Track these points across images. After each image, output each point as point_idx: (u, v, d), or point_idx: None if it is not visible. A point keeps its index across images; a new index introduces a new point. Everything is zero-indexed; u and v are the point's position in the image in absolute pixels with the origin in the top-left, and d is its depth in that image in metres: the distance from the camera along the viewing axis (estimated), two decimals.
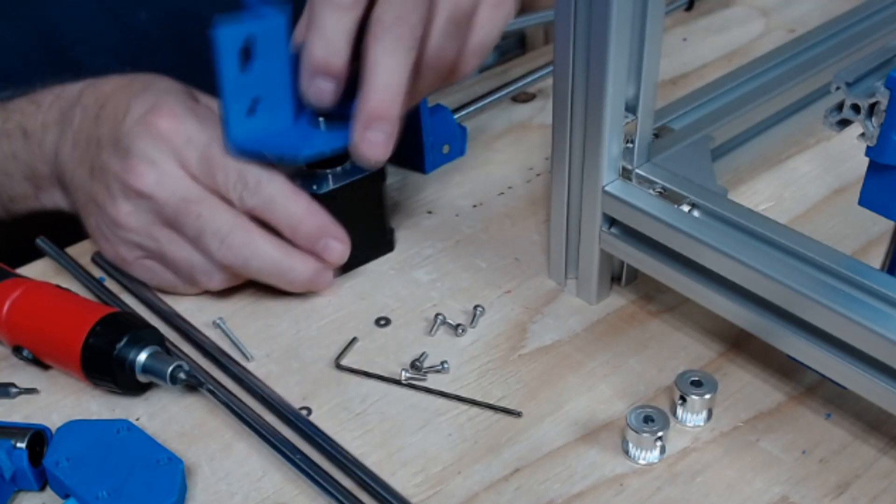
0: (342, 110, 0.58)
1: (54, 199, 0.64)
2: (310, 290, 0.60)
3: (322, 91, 0.55)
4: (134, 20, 0.70)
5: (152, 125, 0.56)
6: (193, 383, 0.53)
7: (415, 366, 0.56)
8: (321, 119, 0.57)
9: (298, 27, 0.61)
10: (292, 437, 0.52)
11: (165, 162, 0.56)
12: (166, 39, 0.70)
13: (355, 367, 0.56)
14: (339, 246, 0.59)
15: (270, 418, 0.53)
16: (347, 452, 0.51)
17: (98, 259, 0.63)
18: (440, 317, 0.59)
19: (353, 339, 0.58)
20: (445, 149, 0.72)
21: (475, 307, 0.59)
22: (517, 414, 0.53)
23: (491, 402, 0.54)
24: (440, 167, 0.72)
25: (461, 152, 0.73)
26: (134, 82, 0.60)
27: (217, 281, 0.59)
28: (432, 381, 0.55)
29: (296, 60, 0.56)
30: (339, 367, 0.56)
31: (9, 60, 0.66)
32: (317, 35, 0.54)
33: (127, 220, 0.57)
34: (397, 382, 0.55)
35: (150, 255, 0.59)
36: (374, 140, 0.55)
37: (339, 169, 0.60)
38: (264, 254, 0.57)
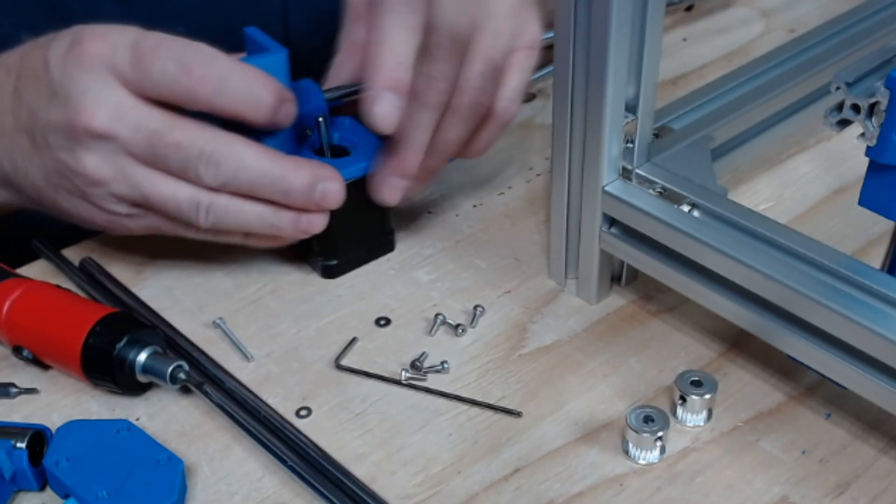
0: (348, 141, 0.61)
1: (4, 195, 0.59)
2: (313, 203, 0.56)
3: (389, 105, 0.53)
4: (170, 30, 0.69)
5: (81, 54, 0.52)
6: (193, 383, 0.53)
7: (415, 366, 0.56)
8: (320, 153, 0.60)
9: (335, 72, 0.61)
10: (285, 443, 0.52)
11: (112, 91, 0.52)
12: None
13: (355, 367, 0.56)
14: (335, 185, 0.56)
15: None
16: (335, 461, 0.50)
17: (88, 263, 0.62)
18: (440, 317, 0.58)
19: (353, 339, 0.58)
20: None
21: (475, 307, 0.59)
22: (517, 414, 0.53)
23: (491, 402, 0.54)
24: None
25: None
26: (37, 41, 0.55)
27: (212, 214, 0.55)
28: (432, 381, 0.55)
29: (297, 93, 0.57)
30: (339, 367, 0.56)
31: None
32: (387, 49, 0.53)
33: (97, 171, 0.53)
34: (397, 382, 0.55)
35: (138, 203, 0.55)
36: (396, 186, 0.58)
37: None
38: (253, 163, 0.53)
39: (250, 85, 0.53)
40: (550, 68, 0.79)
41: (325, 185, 0.56)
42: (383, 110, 0.54)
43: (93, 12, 0.66)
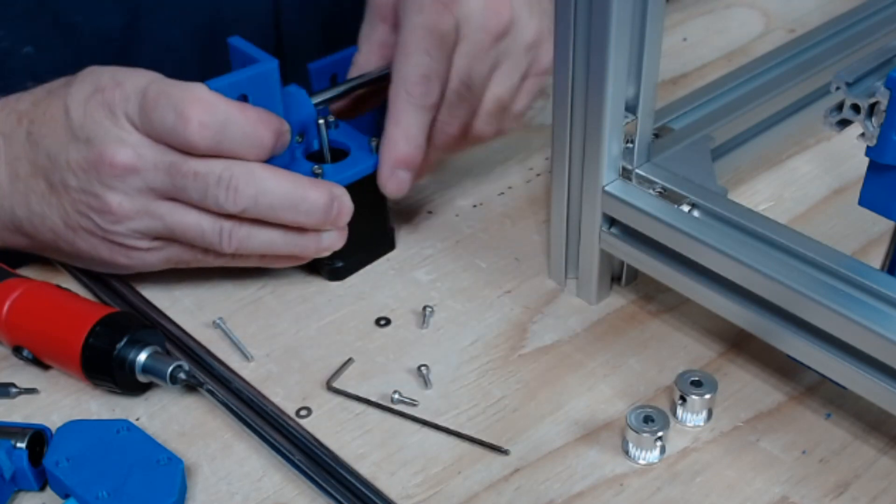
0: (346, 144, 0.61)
1: (15, 240, 0.59)
2: (330, 222, 0.57)
3: (402, 182, 0.59)
4: (166, 37, 0.69)
5: (102, 100, 0.54)
6: (193, 383, 0.54)
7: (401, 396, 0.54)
8: (315, 162, 0.60)
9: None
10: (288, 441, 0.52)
11: (129, 133, 0.53)
12: (195, 54, 0.70)
13: (354, 367, 0.56)
14: (347, 200, 0.57)
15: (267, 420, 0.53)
16: (339, 458, 0.51)
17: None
18: (429, 309, 0.59)
19: (349, 360, 0.57)
20: None
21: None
22: (505, 452, 0.51)
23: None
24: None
25: None
26: (52, 87, 0.56)
27: (235, 239, 0.55)
28: (430, 391, 0.55)
29: (285, 101, 0.57)
30: (330, 388, 0.55)
31: (38, 78, 0.61)
32: (402, 132, 0.58)
33: (122, 208, 0.54)
34: (387, 409, 0.54)
35: (160, 236, 0.56)
36: (401, 179, 0.59)
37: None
38: (272, 187, 0.54)
39: (251, 128, 0.54)
40: None
41: (338, 202, 0.57)
42: (396, 186, 0.59)
43: (95, 23, 0.66)
